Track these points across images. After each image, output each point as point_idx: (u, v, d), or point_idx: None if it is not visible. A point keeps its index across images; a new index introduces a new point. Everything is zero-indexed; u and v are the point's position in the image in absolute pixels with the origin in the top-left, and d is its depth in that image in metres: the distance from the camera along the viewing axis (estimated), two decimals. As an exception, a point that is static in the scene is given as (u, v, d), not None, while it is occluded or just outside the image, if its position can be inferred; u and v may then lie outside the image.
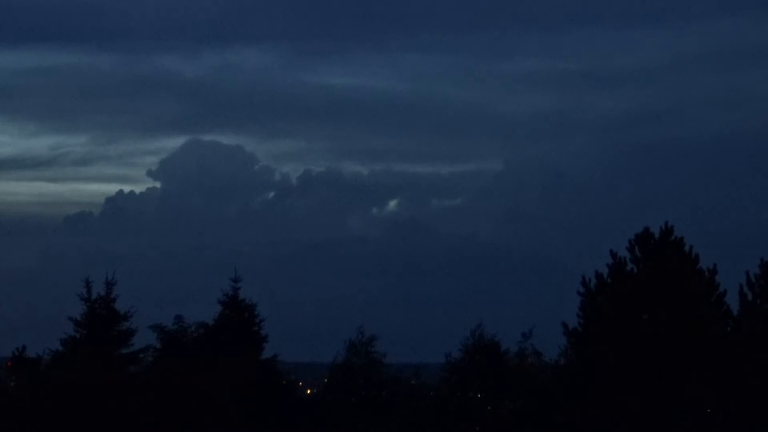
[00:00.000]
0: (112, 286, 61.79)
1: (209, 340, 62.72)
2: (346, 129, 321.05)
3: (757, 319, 63.88)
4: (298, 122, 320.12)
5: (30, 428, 59.64)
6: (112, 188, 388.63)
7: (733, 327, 64.47)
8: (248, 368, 61.64)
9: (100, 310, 61.58)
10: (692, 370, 61.59)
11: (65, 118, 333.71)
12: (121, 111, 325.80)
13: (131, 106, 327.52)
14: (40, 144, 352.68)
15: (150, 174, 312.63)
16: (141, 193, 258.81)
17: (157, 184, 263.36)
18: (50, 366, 62.85)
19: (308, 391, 79.00)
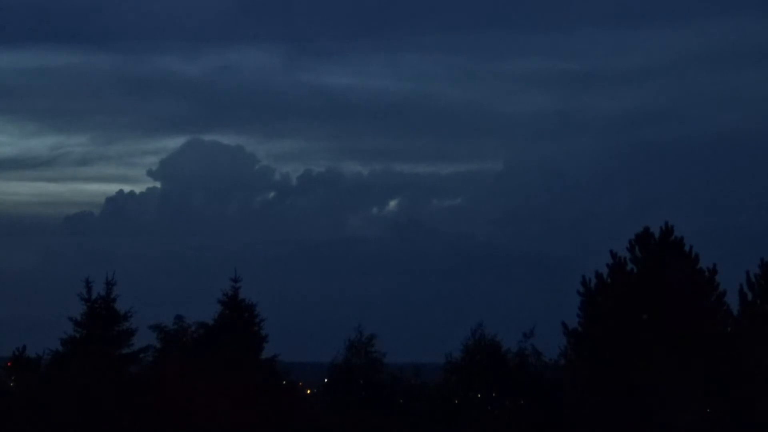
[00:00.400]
0: (112, 286, 61.74)
1: (209, 340, 62.70)
2: (346, 129, 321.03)
3: (757, 319, 63.91)
4: (298, 122, 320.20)
5: (30, 428, 59.60)
6: (112, 188, 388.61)
7: (733, 327, 64.48)
8: (248, 368, 61.63)
9: (100, 310, 61.53)
10: (692, 370, 61.58)
11: (65, 118, 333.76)
12: (122, 111, 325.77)
13: (131, 106, 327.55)
14: (40, 144, 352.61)
15: (150, 174, 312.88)
16: (141, 193, 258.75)
17: (158, 184, 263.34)
18: (50, 366, 62.81)
19: (308, 391, 78.96)
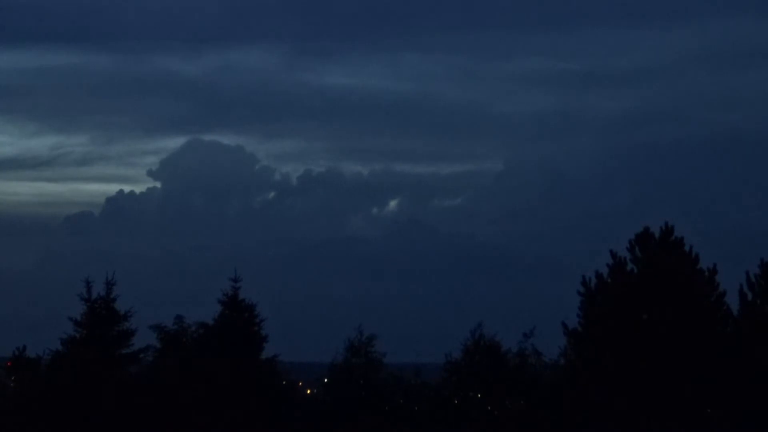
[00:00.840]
0: (112, 286, 61.75)
1: (209, 340, 62.70)
2: (347, 129, 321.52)
3: (757, 320, 63.87)
4: (298, 122, 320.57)
5: (30, 428, 59.61)
6: (112, 188, 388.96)
7: (733, 327, 64.46)
8: (248, 368, 61.62)
9: (100, 310, 61.53)
10: (692, 370, 61.59)
11: (66, 118, 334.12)
12: (122, 111, 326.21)
13: (131, 106, 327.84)
14: (40, 144, 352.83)
15: (150, 174, 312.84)
16: (141, 193, 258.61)
17: (158, 184, 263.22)
18: (50, 366, 62.81)
19: (308, 391, 78.96)
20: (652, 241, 64.47)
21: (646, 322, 63.05)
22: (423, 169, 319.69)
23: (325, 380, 70.27)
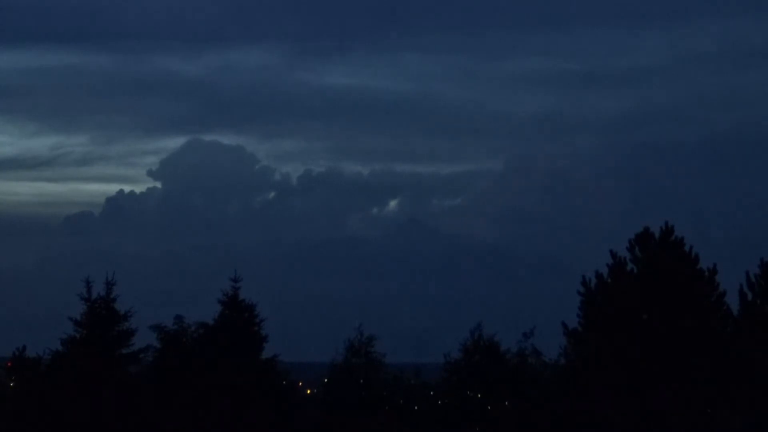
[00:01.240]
0: (112, 286, 61.75)
1: (209, 340, 62.69)
2: (347, 129, 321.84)
3: (757, 320, 63.86)
4: (298, 122, 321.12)
5: (30, 428, 59.61)
6: (112, 188, 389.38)
7: (733, 327, 64.44)
8: (248, 368, 61.63)
9: (100, 310, 61.51)
10: (692, 370, 61.59)
11: (66, 118, 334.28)
12: (122, 111, 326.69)
13: (132, 106, 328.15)
14: (40, 144, 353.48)
15: (150, 174, 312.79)
16: (141, 193, 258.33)
17: (158, 184, 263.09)
18: (50, 366, 62.80)
19: (308, 391, 79.02)
20: (652, 241, 64.43)
21: (646, 322, 63.02)
22: (423, 169, 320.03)
23: (325, 380, 70.35)
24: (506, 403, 67.33)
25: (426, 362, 73.24)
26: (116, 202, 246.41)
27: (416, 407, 68.24)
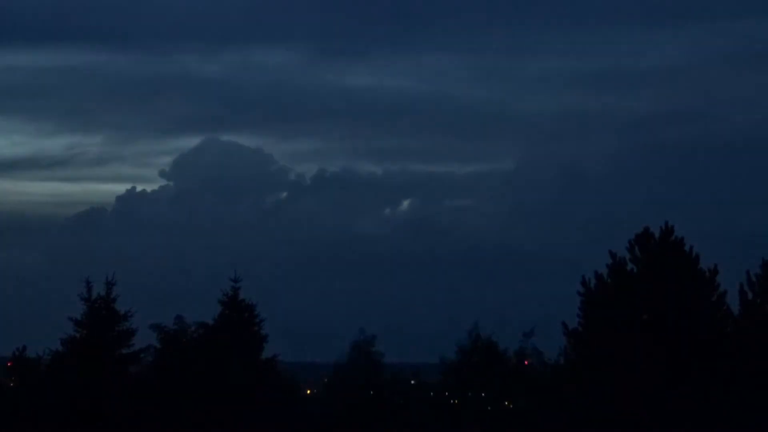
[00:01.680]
0: (112, 286, 61.74)
1: (209, 340, 62.69)
2: (364, 129, 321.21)
3: (757, 320, 63.86)
4: (316, 122, 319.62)
5: (30, 428, 59.63)
6: (125, 188, 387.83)
7: (733, 327, 64.43)
8: (248, 368, 61.64)
9: (101, 310, 61.51)
10: (692, 370, 61.58)
11: (82, 118, 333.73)
12: (139, 111, 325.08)
13: (149, 106, 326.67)
14: (56, 144, 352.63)
15: (163, 174, 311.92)
16: (152, 192, 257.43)
17: (170, 184, 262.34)
18: (50, 366, 62.82)
19: (308, 391, 79.00)
20: (652, 241, 64.41)
21: (646, 322, 63.00)
22: (438, 169, 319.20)
23: (325, 380, 70.36)
24: (506, 402, 67.37)
25: (430, 362, 73.08)
26: (126, 200, 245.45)
27: (416, 407, 68.20)
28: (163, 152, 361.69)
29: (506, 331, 67.88)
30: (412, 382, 70.49)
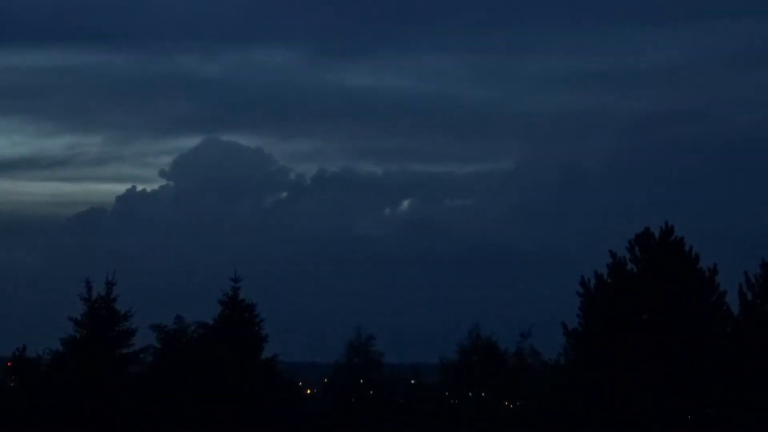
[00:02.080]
0: (112, 286, 61.74)
1: (209, 340, 62.72)
2: (364, 129, 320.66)
3: (757, 319, 63.89)
4: (316, 122, 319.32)
5: (30, 428, 59.64)
6: (125, 188, 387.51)
7: (733, 327, 64.46)
8: (248, 368, 61.66)
9: (101, 310, 61.52)
10: (692, 370, 61.61)
11: (82, 118, 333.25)
12: (139, 111, 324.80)
13: (149, 106, 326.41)
14: (56, 144, 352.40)
15: (163, 174, 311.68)
16: (152, 191, 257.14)
17: (171, 184, 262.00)
18: (50, 366, 62.83)
19: (308, 391, 79.02)
20: (652, 241, 64.46)
21: (646, 322, 63.03)
22: (437, 169, 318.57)
23: (325, 380, 70.38)
24: (506, 403, 67.41)
25: (431, 362, 73.11)
26: (126, 200, 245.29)
27: (416, 407, 68.23)
28: (163, 152, 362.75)
29: (506, 331, 67.99)
30: (412, 382, 70.43)
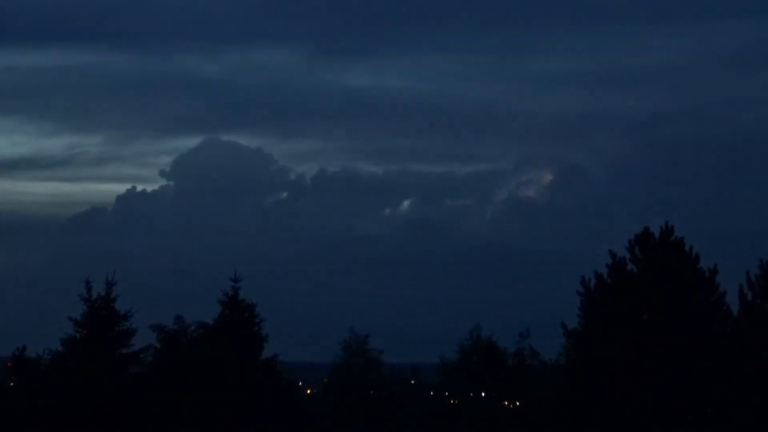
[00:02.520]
0: (112, 286, 61.74)
1: (209, 340, 62.72)
2: (364, 129, 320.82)
3: (757, 320, 63.88)
4: (316, 122, 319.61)
5: (30, 428, 59.66)
6: (125, 188, 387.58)
7: (733, 327, 64.45)
8: (248, 368, 61.67)
9: (101, 310, 61.53)
10: (692, 370, 61.60)
11: (82, 118, 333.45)
12: (139, 111, 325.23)
13: (149, 106, 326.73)
14: (56, 144, 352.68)
15: (163, 174, 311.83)
16: (153, 191, 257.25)
17: (171, 184, 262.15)
18: (50, 366, 62.84)
19: (308, 391, 79.11)
20: (652, 241, 64.44)
21: (646, 322, 63.02)
22: (438, 169, 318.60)
23: (324, 380, 70.43)
24: (505, 403, 67.45)
25: (431, 362, 73.17)
26: (126, 200, 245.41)
27: (415, 407, 68.27)
28: (163, 152, 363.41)
29: (506, 331, 68.03)
30: (412, 382, 70.50)
